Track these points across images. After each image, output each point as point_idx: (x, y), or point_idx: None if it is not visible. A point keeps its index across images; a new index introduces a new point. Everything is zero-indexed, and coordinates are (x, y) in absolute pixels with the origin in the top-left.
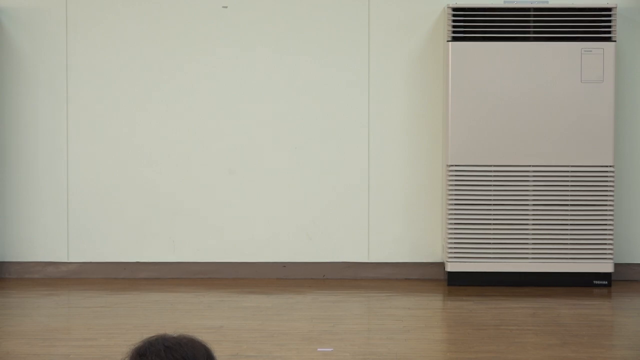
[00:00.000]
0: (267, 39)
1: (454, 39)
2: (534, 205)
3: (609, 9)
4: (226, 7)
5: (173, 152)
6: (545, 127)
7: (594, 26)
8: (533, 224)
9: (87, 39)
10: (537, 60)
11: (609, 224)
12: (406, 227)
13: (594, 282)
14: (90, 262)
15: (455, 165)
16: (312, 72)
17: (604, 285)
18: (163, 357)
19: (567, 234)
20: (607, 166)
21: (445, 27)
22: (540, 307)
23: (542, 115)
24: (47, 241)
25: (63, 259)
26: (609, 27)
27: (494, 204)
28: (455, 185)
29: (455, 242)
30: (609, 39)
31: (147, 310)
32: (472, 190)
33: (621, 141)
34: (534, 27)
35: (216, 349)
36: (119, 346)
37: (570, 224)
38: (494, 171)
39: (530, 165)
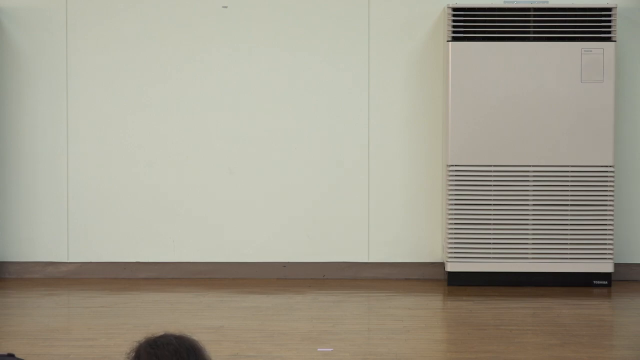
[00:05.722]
0: (266, 39)
1: (454, 39)
2: (534, 205)
3: (609, 9)
4: (226, 7)
5: (173, 151)
6: (545, 127)
7: (594, 26)
8: (533, 224)
9: (87, 39)
10: (537, 60)
11: (609, 224)
12: (406, 227)
13: (594, 282)
14: (90, 262)
15: (455, 165)
16: (312, 72)
17: (604, 285)
18: (175, 345)
19: (567, 234)
20: (607, 166)
21: (445, 27)
22: (540, 307)
23: (542, 115)
24: (47, 241)
25: (63, 259)
26: (609, 27)
27: (494, 204)
28: (455, 185)
29: (455, 242)
30: (609, 39)
31: (147, 310)
32: (472, 190)
33: (621, 141)
34: (534, 27)
35: (216, 349)
36: (119, 346)
37: (570, 224)
38: (494, 171)
39: (530, 165)
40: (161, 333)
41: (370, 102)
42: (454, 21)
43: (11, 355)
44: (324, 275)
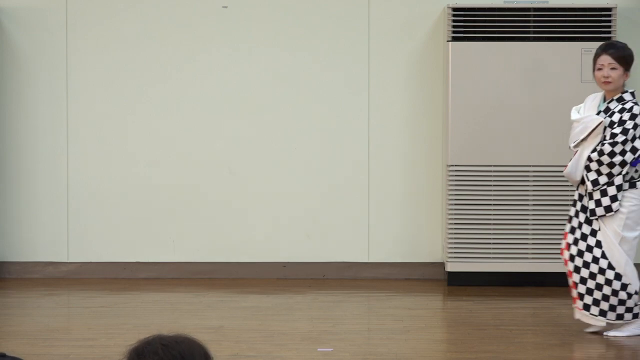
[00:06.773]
0: (266, 39)
1: (454, 39)
2: (534, 205)
3: (609, 9)
4: (226, 7)
5: (173, 151)
6: (545, 127)
7: (594, 26)
8: (533, 224)
9: (87, 39)
10: (537, 60)
11: None
12: (406, 227)
13: None
14: (90, 262)
15: (455, 165)
16: (312, 72)
17: None
18: (161, 355)
19: None
20: None
21: (445, 27)
22: (540, 307)
23: (542, 115)
24: (47, 241)
25: (63, 259)
26: (609, 27)
27: (494, 204)
28: (455, 185)
29: (455, 242)
30: (609, 39)
31: (147, 310)
32: (472, 190)
33: None
34: (534, 27)
35: (216, 349)
36: (119, 346)
37: None
38: (494, 171)
39: (530, 165)
40: (153, 337)
41: (370, 102)
42: (454, 21)
43: (2, 356)
44: (324, 275)
